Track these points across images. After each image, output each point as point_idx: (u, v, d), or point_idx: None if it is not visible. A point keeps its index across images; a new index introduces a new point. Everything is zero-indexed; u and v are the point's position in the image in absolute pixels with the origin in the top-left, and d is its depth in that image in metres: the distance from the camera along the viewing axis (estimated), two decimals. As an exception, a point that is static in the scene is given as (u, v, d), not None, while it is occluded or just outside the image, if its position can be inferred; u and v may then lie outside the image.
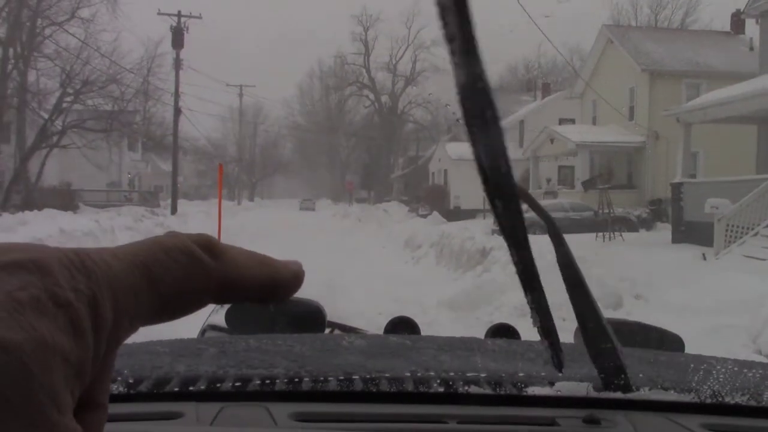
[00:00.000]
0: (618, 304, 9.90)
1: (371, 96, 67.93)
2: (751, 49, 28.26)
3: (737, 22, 31.07)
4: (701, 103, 17.31)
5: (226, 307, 2.37)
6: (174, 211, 34.91)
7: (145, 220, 26.83)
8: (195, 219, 34.81)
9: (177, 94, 35.40)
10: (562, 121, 33.96)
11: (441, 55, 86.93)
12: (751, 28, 30.04)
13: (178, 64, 35.47)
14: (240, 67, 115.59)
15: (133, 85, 34.85)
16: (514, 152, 36.69)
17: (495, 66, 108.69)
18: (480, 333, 2.07)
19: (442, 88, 72.44)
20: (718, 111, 16.23)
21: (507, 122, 42.60)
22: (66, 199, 29.36)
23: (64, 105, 30.02)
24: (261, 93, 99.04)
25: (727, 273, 11.06)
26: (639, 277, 10.92)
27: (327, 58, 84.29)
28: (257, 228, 29.51)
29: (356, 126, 70.93)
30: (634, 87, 28.18)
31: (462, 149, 39.44)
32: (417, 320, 1.99)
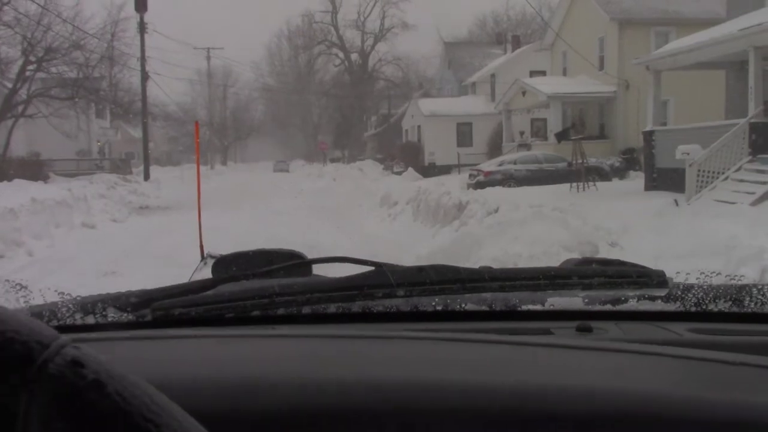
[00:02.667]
0: (594, 252, 10.02)
1: (341, 54, 67.31)
2: (719, -6, 28.31)
3: (705, -33, 31.03)
4: (670, 50, 17.35)
5: (210, 264, 2.36)
6: (146, 177, 34.57)
7: (118, 187, 26.56)
8: (168, 184, 34.52)
9: (143, 59, 34.79)
10: (533, 74, 33.90)
11: (409, 11, 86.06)
12: (719, -27, 30.09)
13: (142, 27, 34.76)
14: (207, 29, 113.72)
15: (98, 50, 34.16)
16: (486, 106, 36.71)
17: (464, 20, 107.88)
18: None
19: (411, 44, 71.97)
20: (687, 57, 16.28)
21: (478, 76, 42.46)
22: (35, 169, 28.92)
23: (28, 73, 29.39)
24: (229, 55, 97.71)
25: (700, 218, 11.22)
26: (613, 226, 11.04)
27: (295, 18, 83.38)
28: (232, 190, 29.35)
29: (327, 85, 70.25)
30: (604, 37, 28.14)
31: (435, 105, 39.36)
32: None
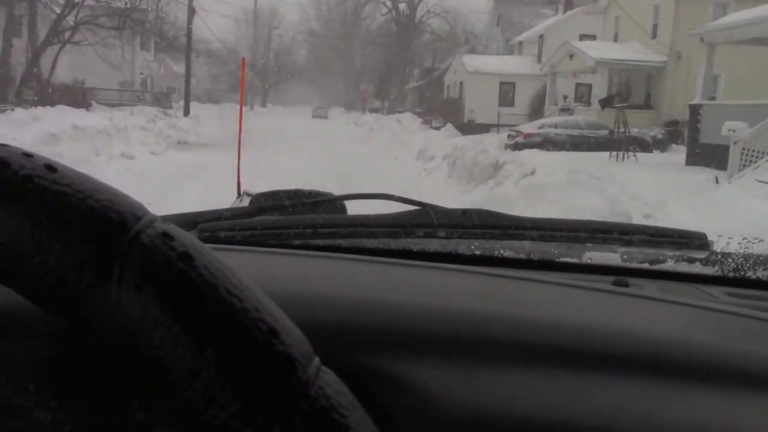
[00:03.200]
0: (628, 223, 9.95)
1: (389, 3, 66.36)
2: (784, -32, 27.32)
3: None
4: (727, 22, 16.86)
5: (246, 201, 2.40)
6: (186, 112, 34.78)
7: (158, 120, 26.78)
8: (207, 121, 34.72)
9: (191, -7, 34.71)
10: (582, 37, 33.20)
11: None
12: (786, -54, 28.99)
13: (192, -39, 34.63)
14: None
15: (147, -19, 34.15)
16: (532, 67, 36.14)
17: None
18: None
19: (461, -2, 70.73)
20: (745, 32, 15.81)
21: (526, 36, 41.73)
22: (78, 97, 29.21)
23: (76, 0, 29.49)
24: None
25: (739, 196, 11.03)
26: (650, 197, 10.91)
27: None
28: (270, 132, 29.43)
29: (372, 34, 69.56)
30: (659, 4, 27.40)
31: (479, 62, 38.82)
32: None
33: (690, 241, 1.34)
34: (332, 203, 1.92)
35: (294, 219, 1.27)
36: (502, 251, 1.25)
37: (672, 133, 24.15)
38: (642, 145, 20.64)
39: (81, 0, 29.63)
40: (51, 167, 0.54)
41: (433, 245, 1.25)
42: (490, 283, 0.92)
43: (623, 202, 10.52)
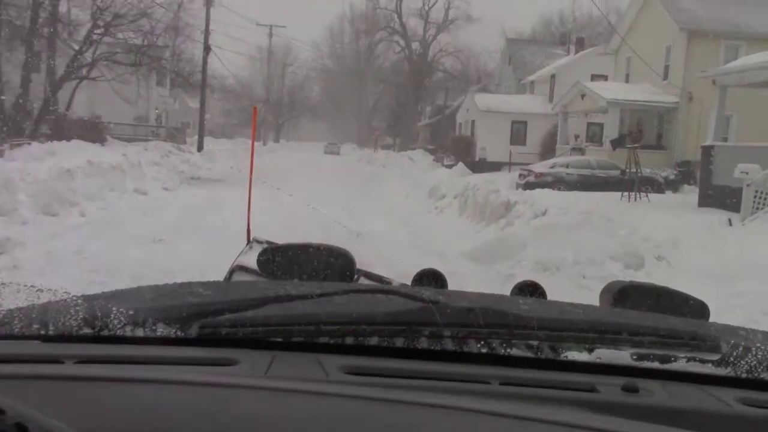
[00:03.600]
0: (639, 265, 9.88)
1: (402, 42, 67.04)
2: (795, 11, 27.45)
3: (783, -18, 30.13)
4: (739, 65, 16.92)
5: (256, 249, 2.40)
6: (200, 148, 35.08)
7: (172, 156, 27.02)
8: (220, 157, 34.98)
9: (207, 31, 35.23)
10: (594, 78, 33.38)
11: (474, 4, 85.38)
12: (797, -11, 29.17)
13: (209, 0, 35.17)
14: (271, 6, 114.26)
15: (164, 20, 34.64)
16: (543, 107, 36.30)
17: (529, 17, 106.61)
18: (501, 286, 2.09)
19: (474, 37, 71.41)
20: (756, 75, 15.85)
21: (538, 76, 41.98)
22: (94, 132, 29.50)
23: (95, 37, 29.95)
24: (291, 34, 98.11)
25: (752, 239, 10.96)
26: (662, 239, 10.86)
27: (359, 1, 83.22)
28: (282, 169, 29.60)
29: (385, 72, 70.18)
30: (671, 46, 27.54)
31: (491, 100, 39.03)
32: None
33: (702, 343, 1.32)
34: (336, 256, 1.92)
35: (297, 315, 1.26)
36: (509, 350, 1.24)
37: (684, 174, 24.09)
38: (654, 186, 20.60)
39: (99, 37, 30.08)
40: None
41: (439, 343, 1.24)
42: (490, 424, 0.91)
43: (635, 244, 10.47)
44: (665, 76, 27.78)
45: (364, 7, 70.17)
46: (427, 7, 64.96)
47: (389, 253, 8.71)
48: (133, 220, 13.14)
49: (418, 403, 0.95)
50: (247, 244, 2.70)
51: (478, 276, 9.23)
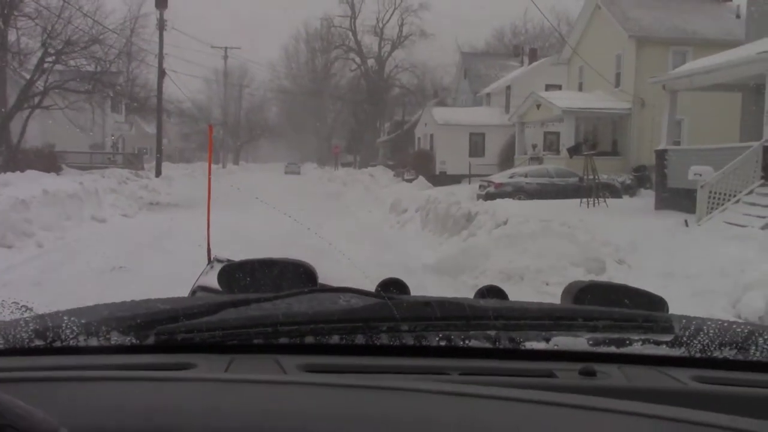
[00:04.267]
0: (601, 269, 10.01)
1: (357, 59, 67.36)
2: (738, 16, 28.20)
3: (725, -12, 30.97)
4: (687, 70, 17.32)
5: (217, 268, 2.38)
6: (158, 173, 34.71)
7: (130, 182, 26.69)
8: (179, 182, 34.65)
9: (161, 55, 34.97)
10: (548, 87, 33.87)
11: (428, 19, 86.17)
12: (739, -5, 29.97)
13: (161, 24, 34.98)
14: (225, 28, 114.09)
15: (117, 45, 34.41)
16: (500, 118, 36.68)
17: (482, 31, 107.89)
18: (465, 296, 2.10)
19: (429, 52, 71.99)
20: (704, 78, 16.25)
21: (493, 88, 42.45)
22: (49, 161, 29.06)
23: (46, 65, 29.56)
24: (246, 56, 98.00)
25: (709, 239, 11.18)
26: (622, 243, 11.02)
27: (313, 21, 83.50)
28: (242, 190, 29.36)
29: (342, 90, 70.37)
30: (621, 54, 28.10)
31: (448, 114, 39.34)
32: None
33: (655, 324, 1.35)
34: (297, 269, 1.91)
35: (254, 317, 1.25)
36: (467, 341, 1.25)
37: (640, 179, 24.52)
38: (612, 191, 20.92)
39: (51, 65, 29.69)
40: None
41: (397, 338, 1.25)
42: (451, 407, 0.92)
43: (596, 249, 10.60)
44: (617, 83, 28.31)
45: (319, 26, 70.49)
46: (381, 24, 65.47)
47: (352, 269, 8.69)
48: (92, 248, 12.92)
49: (377, 387, 0.96)
50: (208, 264, 2.68)
51: (442, 287, 9.26)
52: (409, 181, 33.56)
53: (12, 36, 29.34)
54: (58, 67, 30.30)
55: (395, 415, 0.88)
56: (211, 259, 2.71)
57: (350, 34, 66.56)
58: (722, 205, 13.75)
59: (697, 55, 22.04)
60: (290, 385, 0.99)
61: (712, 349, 1.27)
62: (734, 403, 0.98)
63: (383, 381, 0.99)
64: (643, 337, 1.31)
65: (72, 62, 30.39)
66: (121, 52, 35.47)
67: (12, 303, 1.41)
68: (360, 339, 1.24)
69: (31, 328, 1.20)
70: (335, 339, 1.24)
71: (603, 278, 9.59)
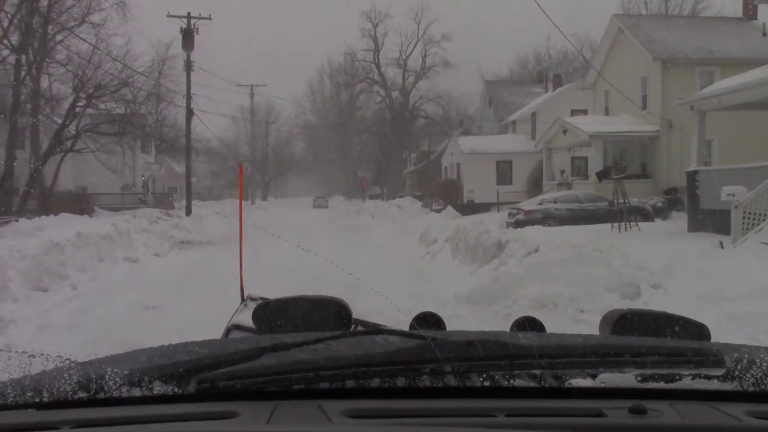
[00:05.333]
0: (636, 294, 9.86)
1: (382, 92, 67.90)
2: (764, 34, 28.03)
3: (749, 7, 30.80)
4: (715, 90, 17.17)
5: (251, 306, 2.37)
6: (189, 212, 35.07)
7: (161, 221, 26.99)
8: (210, 220, 34.95)
9: (189, 96, 35.54)
10: (574, 112, 33.80)
11: (450, 50, 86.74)
12: (764, 13, 29.83)
13: (189, 65, 35.59)
14: (250, 66, 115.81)
15: (145, 87, 35.01)
16: (526, 145, 36.62)
17: (506, 58, 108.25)
18: (499, 326, 2.06)
19: (453, 82, 72.32)
20: (732, 98, 16.09)
21: (518, 115, 42.47)
22: (82, 203, 29.56)
23: (77, 109, 30.18)
24: (272, 92, 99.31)
25: (745, 260, 10.98)
26: (656, 267, 10.86)
27: (337, 56, 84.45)
28: (273, 226, 29.55)
29: (367, 122, 70.91)
30: (647, 76, 27.99)
31: (474, 143, 39.36)
32: None
33: (705, 358, 1.31)
34: (332, 305, 1.90)
35: (294, 362, 1.24)
36: (512, 381, 1.22)
37: (671, 201, 24.25)
38: (643, 215, 20.70)
39: (82, 109, 30.30)
40: None
41: (440, 379, 1.22)
42: None
43: (629, 274, 10.46)
44: (644, 106, 28.15)
45: (343, 61, 71.26)
46: (404, 56, 66.04)
47: (385, 302, 8.66)
48: (125, 289, 13.05)
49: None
50: (242, 302, 2.68)
51: (476, 317, 9.18)
52: (438, 211, 33.52)
53: (44, 82, 30.09)
54: (89, 110, 30.92)
55: None
56: (245, 297, 2.71)
57: (374, 67, 67.28)
58: (757, 225, 13.51)
59: (724, 75, 21.84)
60: None
61: (766, 382, 1.22)
62: None
63: (428, 425, 0.97)
64: (693, 372, 1.27)
65: (102, 105, 30.99)
66: (149, 94, 36.09)
67: (56, 356, 1.42)
68: (402, 381, 1.22)
69: (75, 380, 1.20)
70: (377, 383, 1.22)
71: (638, 303, 9.44)
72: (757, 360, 1.28)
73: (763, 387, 1.22)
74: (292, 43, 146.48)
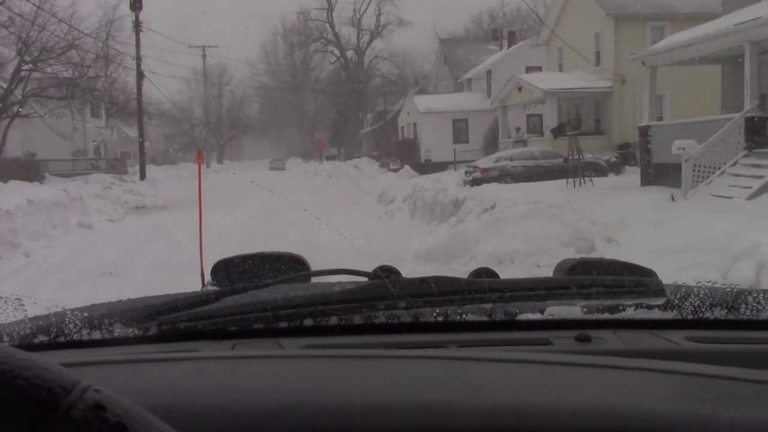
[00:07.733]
0: (591, 248, 10.05)
1: (336, 52, 67.22)
2: (714, -11, 28.29)
3: (699, -38, 31.05)
4: (666, 45, 17.36)
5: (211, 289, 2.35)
6: (143, 176, 34.50)
7: (114, 187, 26.53)
8: (164, 184, 34.49)
9: (138, 58, 34.68)
10: (529, 69, 33.88)
11: (405, 8, 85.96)
12: (714, -33, 30.07)
13: (137, 26, 34.66)
14: (202, 27, 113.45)
15: (93, 50, 34.11)
16: (482, 103, 36.69)
17: (461, 16, 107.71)
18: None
19: (408, 41, 71.88)
20: (683, 53, 16.30)
21: (474, 73, 42.45)
22: (31, 170, 28.84)
23: (23, 73, 29.32)
24: (224, 53, 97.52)
25: (696, 212, 11.23)
26: (610, 221, 11.06)
27: (290, 15, 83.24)
28: (229, 190, 29.30)
29: (323, 83, 70.27)
30: (599, 32, 28.15)
31: (430, 101, 39.30)
32: None
33: (646, 288, 1.37)
34: (291, 261, 1.91)
35: (254, 302, 1.26)
36: (464, 315, 1.27)
37: (625, 156, 24.59)
38: (597, 170, 20.98)
39: (28, 73, 29.44)
40: None
41: (395, 315, 1.27)
42: (453, 368, 0.94)
43: (584, 228, 10.64)
44: (597, 62, 28.37)
45: (296, 20, 70.23)
46: (358, 15, 65.33)
47: (343, 262, 8.69)
48: (80, 255, 12.86)
49: (377, 356, 0.98)
50: (203, 287, 2.65)
51: (434, 273, 9.25)
52: (395, 170, 33.54)
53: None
54: (36, 74, 30.05)
55: (395, 378, 0.90)
56: (205, 284, 2.68)
57: (328, 26, 66.44)
58: (707, 178, 13.82)
59: (675, 30, 22.07)
60: (291, 358, 1.02)
61: (703, 310, 1.30)
62: (726, 360, 1.00)
63: (381, 357, 1.01)
64: (635, 302, 1.33)
65: (49, 69, 30.15)
66: (98, 57, 35.17)
67: (15, 299, 1.42)
68: (358, 319, 1.26)
69: (35, 324, 1.20)
70: (334, 320, 1.26)
71: (593, 256, 9.62)
72: (695, 290, 1.35)
73: (700, 315, 1.30)
74: (245, 4, 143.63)
